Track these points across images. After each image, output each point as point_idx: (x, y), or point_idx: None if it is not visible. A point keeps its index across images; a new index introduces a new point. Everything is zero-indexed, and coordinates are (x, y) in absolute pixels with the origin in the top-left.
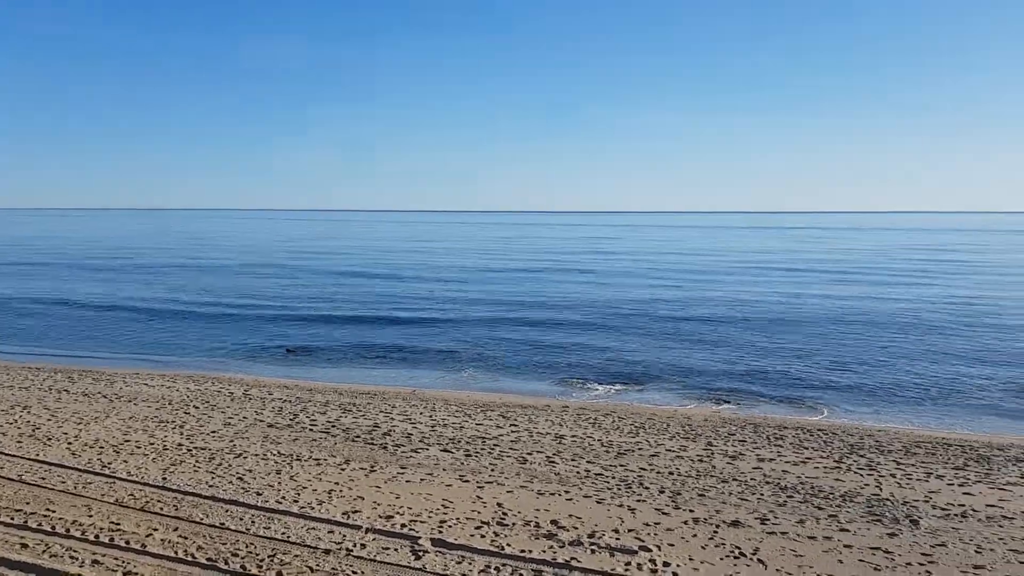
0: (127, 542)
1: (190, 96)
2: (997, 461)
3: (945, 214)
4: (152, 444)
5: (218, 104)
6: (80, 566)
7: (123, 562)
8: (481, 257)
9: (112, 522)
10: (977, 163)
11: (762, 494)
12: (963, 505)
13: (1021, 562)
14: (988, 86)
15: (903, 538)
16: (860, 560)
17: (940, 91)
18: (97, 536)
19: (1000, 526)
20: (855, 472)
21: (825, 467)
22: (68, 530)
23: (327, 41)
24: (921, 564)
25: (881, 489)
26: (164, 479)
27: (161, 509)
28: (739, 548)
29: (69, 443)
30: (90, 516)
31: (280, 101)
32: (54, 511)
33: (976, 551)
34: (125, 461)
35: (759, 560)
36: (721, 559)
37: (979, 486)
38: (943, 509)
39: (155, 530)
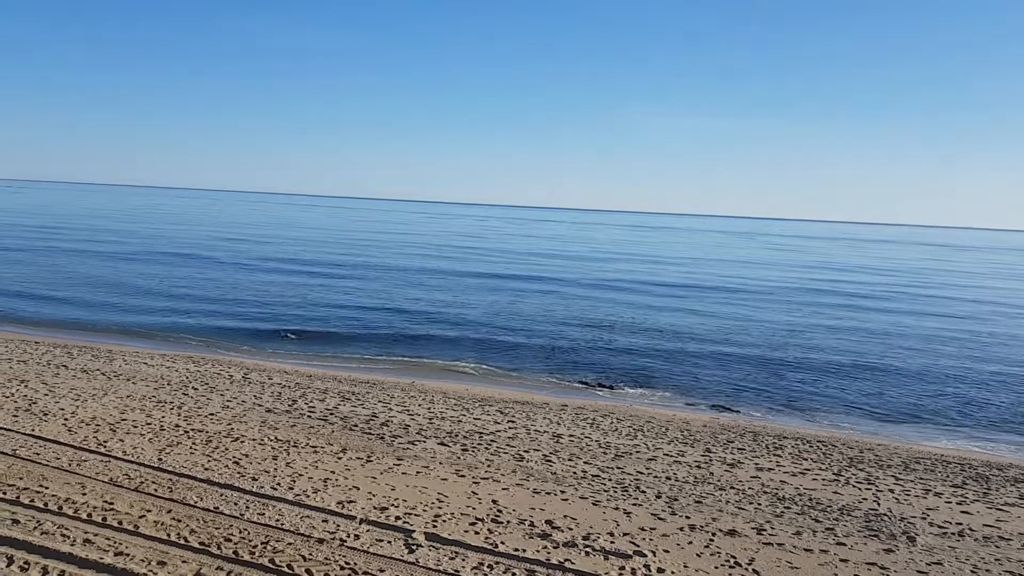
0: (120, 522)
1: None
2: (996, 481)
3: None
4: (149, 424)
5: None
6: (71, 545)
7: (115, 543)
8: (487, 253)
9: (106, 501)
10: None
11: (759, 504)
12: (960, 524)
13: None
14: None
15: (900, 554)
16: (856, 575)
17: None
18: (90, 515)
19: (997, 547)
20: (853, 486)
21: (824, 479)
22: (61, 508)
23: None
24: None
25: (879, 504)
26: (160, 460)
27: (156, 490)
28: (735, 557)
29: (66, 419)
30: (84, 495)
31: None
32: (47, 488)
33: (972, 571)
34: (121, 440)
35: (754, 571)
36: (716, 568)
37: (977, 505)
38: (940, 527)
39: (148, 511)
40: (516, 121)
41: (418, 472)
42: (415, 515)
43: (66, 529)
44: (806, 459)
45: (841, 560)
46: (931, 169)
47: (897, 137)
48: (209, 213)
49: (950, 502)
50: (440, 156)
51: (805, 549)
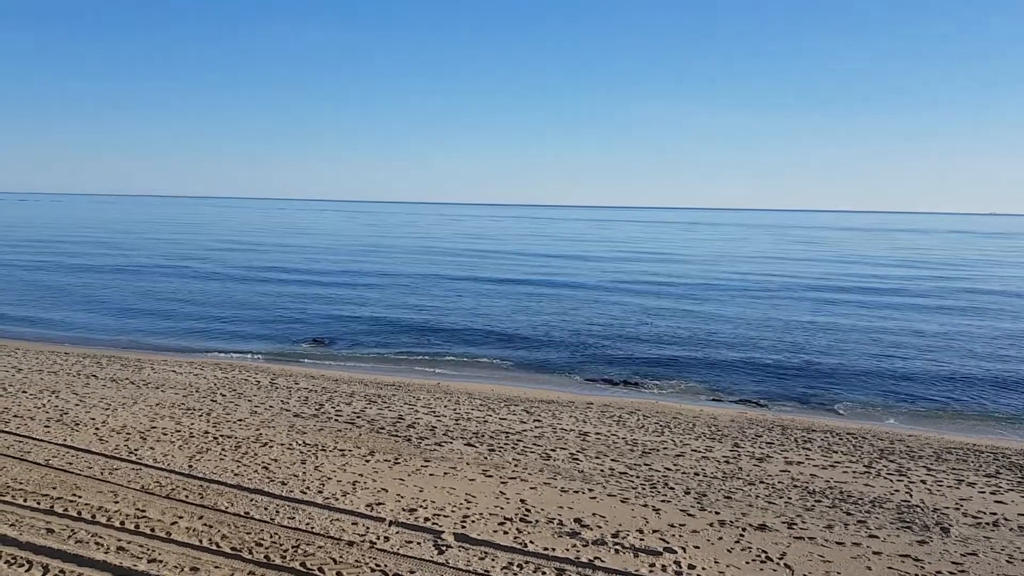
0: (152, 529)
1: None
2: None
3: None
4: (179, 431)
5: None
6: (105, 553)
7: (148, 550)
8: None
9: (138, 509)
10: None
11: (790, 498)
12: (995, 514)
13: None
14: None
15: (933, 546)
16: (889, 567)
17: None
18: (123, 523)
19: None
20: (885, 477)
21: (854, 472)
22: (94, 516)
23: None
24: (951, 573)
25: (911, 495)
26: (190, 467)
27: (187, 497)
28: (766, 552)
29: (96, 429)
30: (116, 503)
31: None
32: (80, 497)
33: (1008, 561)
34: (152, 448)
35: (786, 565)
36: (747, 563)
37: (1011, 494)
38: (974, 517)
39: (180, 518)
40: (528, 122)
41: (446, 473)
42: (444, 516)
43: (100, 537)
44: (836, 452)
45: (874, 553)
46: (959, 157)
47: (923, 125)
48: (222, 222)
49: (984, 492)
50: (452, 159)
51: (837, 542)
